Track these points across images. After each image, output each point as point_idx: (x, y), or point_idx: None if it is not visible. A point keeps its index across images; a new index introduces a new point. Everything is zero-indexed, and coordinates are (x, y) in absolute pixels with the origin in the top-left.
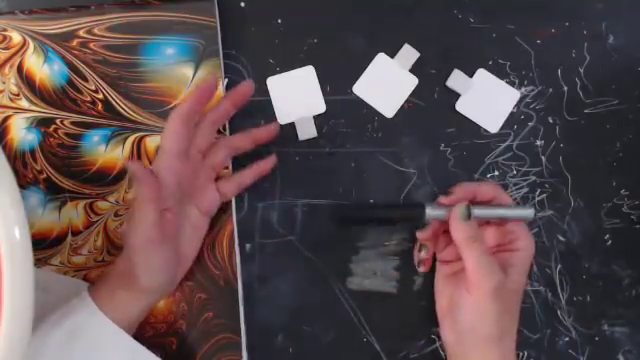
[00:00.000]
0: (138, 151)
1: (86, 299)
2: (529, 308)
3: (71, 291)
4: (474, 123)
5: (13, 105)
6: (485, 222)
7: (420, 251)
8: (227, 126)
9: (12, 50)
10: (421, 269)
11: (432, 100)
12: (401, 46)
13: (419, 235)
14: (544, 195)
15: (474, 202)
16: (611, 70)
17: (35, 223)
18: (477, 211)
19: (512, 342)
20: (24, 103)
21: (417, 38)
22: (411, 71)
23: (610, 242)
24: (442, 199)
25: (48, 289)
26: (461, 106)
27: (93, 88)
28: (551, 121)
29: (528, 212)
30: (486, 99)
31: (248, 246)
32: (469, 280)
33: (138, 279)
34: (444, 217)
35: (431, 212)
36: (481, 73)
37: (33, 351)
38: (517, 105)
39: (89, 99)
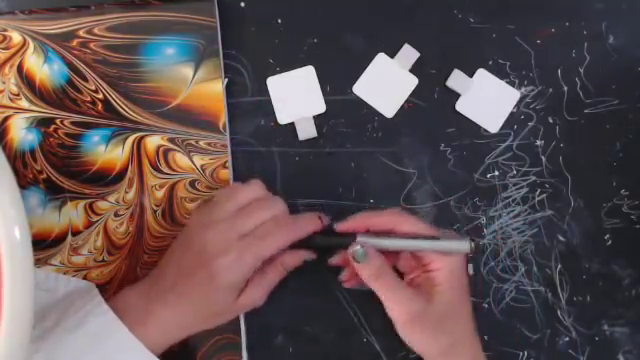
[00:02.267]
0: (138, 151)
1: (102, 306)
2: (529, 308)
3: (74, 292)
4: (474, 123)
5: (13, 105)
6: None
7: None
8: (227, 126)
9: (12, 50)
10: (346, 285)
11: (432, 100)
12: (401, 46)
13: (330, 261)
14: (544, 195)
15: (390, 232)
16: (611, 70)
17: (35, 223)
18: (396, 242)
19: (463, 353)
20: (24, 103)
21: (417, 38)
22: (411, 71)
23: (610, 242)
24: (337, 225)
25: (50, 289)
26: (461, 106)
27: (93, 88)
28: (551, 121)
29: (462, 245)
30: (486, 99)
31: None
32: (389, 314)
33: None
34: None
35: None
36: (481, 73)
37: (48, 356)
38: (517, 105)
39: (89, 99)
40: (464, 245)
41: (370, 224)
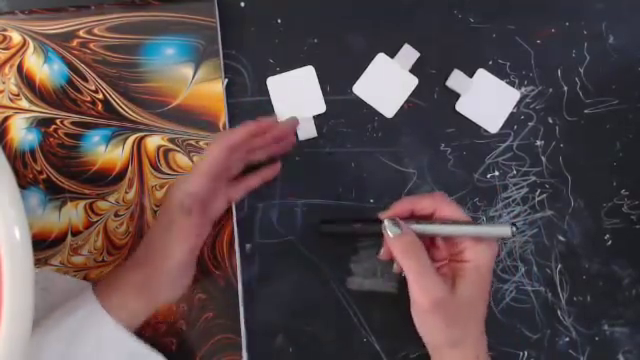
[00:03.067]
0: (138, 151)
1: (90, 297)
2: (529, 308)
3: (74, 292)
4: (474, 123)
5: (13, 105)
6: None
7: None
8: (227, 126)
9: (12, 50)
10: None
11: (432, 100)
12: (401, 46)
13: (379, 257)
14: (544, 195)
15: (422, 217)
16: (611, 70)
17: (35, 223)
18: (437, 227)
19: (469, 348)
20: (24, 103)
21: (417, 38)
22: (411, 71)
23: (610, 242)
24: (380, 214)
25: (50, 289)
26: (461, 106)
27: (93, 88)
28: (551, 121)
29: (504, 230)
30: (486, 99)
31: (248, 246)
32: (410, 294)
33: (159, 295)
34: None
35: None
36: (481, 73)
37: (35, 348)
38: (517, 105)
39: (89, 99)
40: (506, 230)
41: (414, 207)
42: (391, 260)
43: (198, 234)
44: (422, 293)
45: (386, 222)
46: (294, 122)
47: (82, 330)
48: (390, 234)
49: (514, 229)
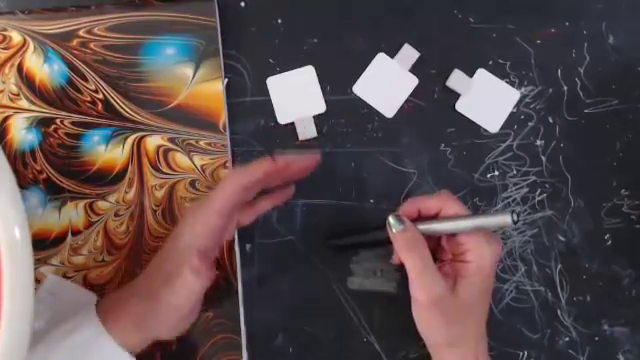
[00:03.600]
0: (138, 151)
1: (93, 318)
2: (529, 308)
3: (79, 302)
4: (474, 123)
5: (13, 105)
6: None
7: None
8: (227, 126)
9: (12, 50)
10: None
11: (432, 100)
12: (401, 46)
13: (392, 262)
14: (544, 195)
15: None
16: (611, 70)
17: (35, 223)
18: (440, 224)
19: (469, 348)
20: (24, 103)
21: (417, 38)
22: (411, 71)
23: (610, 242)
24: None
25: (57, 295)
26: (461, 106)
27: (93, 88)
28: (551, 121)
29: (504, 218)
30: (486, 99)
31: (248, 246)
32: (410, 291)
33: (160, 330)
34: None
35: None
36: (481, 73)
37: None
38: (517, 105)
39: (89, 99)
40: (506, 218)
41: (419, 207)
42: (402, 265)
43: (206, 282)
44: (422, 290)
45: (390, 218)
46: (315, 157)
47: (85, 352)
48: (394, 230)
49: (515, 217)
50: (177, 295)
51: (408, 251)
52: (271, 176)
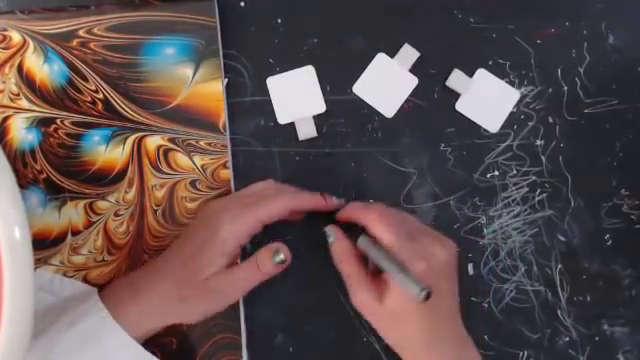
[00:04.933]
0: (138, 151)
1: (98, 305)
2: (529, 308)
3: (79, 296)
4: (474, 123)
5: (13, 105)
6: None
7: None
8: (227, 126)
9: (12, 50)
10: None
11: (432, 100)
12: (401, 46)
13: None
14: (544, 195)
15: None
16: (611, 70)
17: (35, 223)
18: (373, 251)
19: (411, 354)
20: (24, 103)
21: (417, 38)
22: (411, 71)
23: (610, 242)
24: (338, 215)
25: (55, 292)
26: (461, 106)
27: (93, 88)
28: (551, 121)
29: (414, 288)
30: (486, 99)
31: (248, 246)
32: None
33: (182, 321)
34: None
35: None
36: (481, 73)
37: (43, 353)
38: (517, 105)
39: (89, 99)
40: (415, 289)
41: (352, 216)
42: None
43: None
44: (353, 297)
45: (325, 229)
46: (358, 207)
47: (91, 339)
48: (328, 240)
49: (422, 293)
50: (212, 254)
51: (339, 262)
52: (316, 211)
